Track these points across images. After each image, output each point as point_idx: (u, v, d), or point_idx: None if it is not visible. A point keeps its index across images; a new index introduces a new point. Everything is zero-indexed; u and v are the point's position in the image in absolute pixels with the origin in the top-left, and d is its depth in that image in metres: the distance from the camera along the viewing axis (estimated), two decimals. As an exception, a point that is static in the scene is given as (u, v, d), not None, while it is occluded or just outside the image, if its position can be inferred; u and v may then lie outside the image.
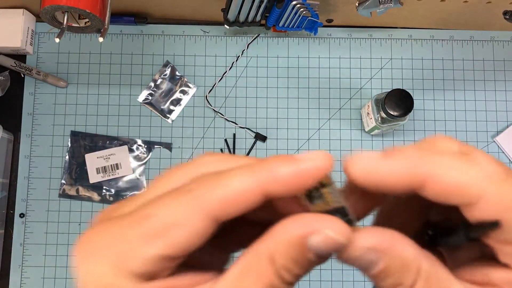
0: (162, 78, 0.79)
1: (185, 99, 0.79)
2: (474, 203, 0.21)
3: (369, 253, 0.21)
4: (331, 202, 0.23)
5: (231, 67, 0.80)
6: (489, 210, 0.21)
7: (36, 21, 0.79)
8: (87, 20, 0.65)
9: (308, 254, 0.21)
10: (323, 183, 0.23)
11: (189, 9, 0.77)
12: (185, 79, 0.79)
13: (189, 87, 0.79)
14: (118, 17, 0.78)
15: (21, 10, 0.76)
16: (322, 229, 0.21)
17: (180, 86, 0.79)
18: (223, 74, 0.79)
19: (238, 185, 0.21)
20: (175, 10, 0.78)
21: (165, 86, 0.79)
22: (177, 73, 0.79)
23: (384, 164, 0.22)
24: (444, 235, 0.26)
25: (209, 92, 0.79)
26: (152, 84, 0.79)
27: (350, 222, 0.22)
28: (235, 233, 0.27)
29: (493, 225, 0.22)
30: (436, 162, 0.22)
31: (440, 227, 0.27)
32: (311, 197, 0.23)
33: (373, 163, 0.22)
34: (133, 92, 0.79)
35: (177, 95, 0.79)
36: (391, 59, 0.80)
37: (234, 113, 0.79)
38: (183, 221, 0.21)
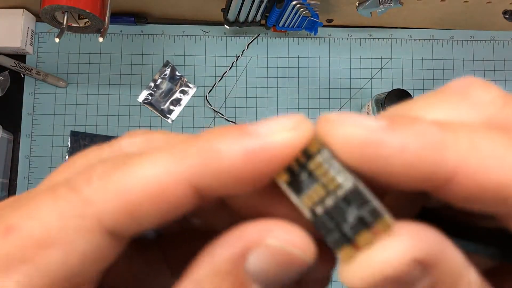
0: (162, 78, 0.79)
1: (185, 99, 0.79)
2: None
3: (410, 269, 0.13)
4: (332, 180, 0.15)
5: (231, 67, 0.79)
6: None
7: (36, 21, 0.79)
8: (87, 20, 0.65)
9: (251, 285, 0.14)
10: (309, 153, 0.15)
11: (189, 9, 0.77)
12: (185, 79, 0.79)
13: (189, 87, 0.79)
14: (118, 17, 0.78)
15: (21, 10, 0.76)
16: (262, 238, 0.14)
17: (180, 86, 0.79)
18: (223, 74, 0.79)
19: (147, 178, 0.14)
20: (175, 10, 0.78)
21: (165, 86, 0.79)
22: (177, 73, 0.79)
23: (390, 141, 0.14)
24: (455, 234, 0.17)
25: (209, 92, 0.79)
26: (152, 84, 0.79)
27: (376, 215, 0.15)
28: (184, 247, 0.20)
29: None
30: (476, 143, 0.13)
31: (446, 219, 0.18)
32: (296, 183, 0.15)
33: (370, 135, 0.14)
34: (133, 92, 0.79)
35: (177, 95, 0.79)
36: (391, 59, 0.80)
37: (234, 113, 0.79)
38: (59, 236, 0.14)
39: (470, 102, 0.16)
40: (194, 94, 0.79)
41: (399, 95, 0.67)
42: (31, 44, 0.78)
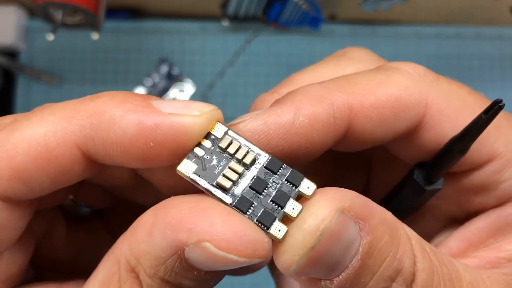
0: (159, 76, 0.77)
1: (183, 97, 0.77)
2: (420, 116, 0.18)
3: (342, 222, 0.14)
4: (247, 155, 0.16)
5: (230, 65, 0.78)
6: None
7: (29, 18, 0.78)
8: (81, 16, 0.64)
9: (192, 269, 0.14)
10: (215, 136, 0.16)
11: (187, 3, 0.76)
12: (183, 77, 0.78)
13: (187, 85, 0.77)
14: (114, 12, 0.76)
15: (14, 6, 0.74)
16: (199, 239, 0.14)
17: (178, 84, 0.77)
18: (222, 72, 0.78)
19: (31, 138, 0.14)
20: (172, 5, 0.77)
21: (162, 84, 0.77)
22: (174, 70, 0.77)
23: (276, 120, 0.16)
24: (432, 168, 0.20)
25: (208, 90, 0.77)
26: (149, 82, 0.77)
27: (298, 180, 0.15)
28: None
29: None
30: (355, 86, 0.18)
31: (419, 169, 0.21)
32: (205, 169, 0.15)
33: (260, 122, 0.16)
34: (129, 90, 0.77)
35: (175, 93, 0.77)
36: (396, 56, 0.78)
37: (234, 112, 0.77)
38: None
39: (347, 58, 0.21)
40: (192, 92, 0.77)
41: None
42: (24, 41, 0.76)
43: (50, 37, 0.61)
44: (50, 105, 0.15)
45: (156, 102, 0.15)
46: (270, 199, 0.15)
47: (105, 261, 0.15)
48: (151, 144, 0.14)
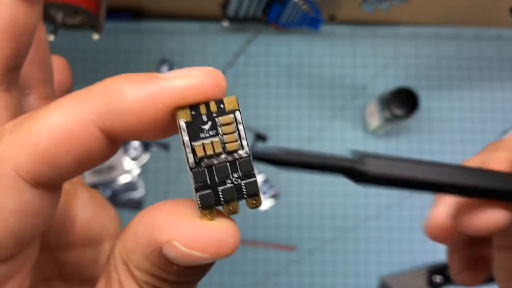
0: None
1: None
2: None
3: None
4: (233, 142, 0.16)
5: (231, 65, 0.78)
6: None
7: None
8: (82, 17, 0.64)
9: (171, 264, 0.16)
10: (223, 109, 0.16)
11: (187, 4, 0.76)
12: (183, 78, 0.77)
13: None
14: (114, 13, 0.76)
15: (14, 6, 0.74)
16: (169, 238, 0.15)
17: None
18: (223, 72, 0.77)
19: (53, 123, 0.15)
20: (172, 5, 0.76)
21: (162, 84, 0.77)
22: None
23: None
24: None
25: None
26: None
27: (254, 190, 0.16)
28: None
29: None
30: None
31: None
32: (196, 129, 0.16)
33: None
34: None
35: (175, 93, 0.77)
36: (396, 57, 0.78)
37: (233, 113, 0.77)
38: None
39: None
40: (192, 92, 0.77)
41: (403, 94, 0.66)
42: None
43: (51, 37, 0.61)
44: (65, 96, 0.16)
45: (160, 74, 0.16)
46: (221, 188, 0.16)
47: (108, 257, 0.17)
48: (160, 105, 0.15)
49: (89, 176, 0.74)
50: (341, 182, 0.73)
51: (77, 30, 0.66)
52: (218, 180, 0.16)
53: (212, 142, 0.16)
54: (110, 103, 0.15)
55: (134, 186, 0.75)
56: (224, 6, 0.70)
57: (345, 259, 0.74)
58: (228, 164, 0.16)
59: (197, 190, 0.16)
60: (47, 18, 0.62)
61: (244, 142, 0.16)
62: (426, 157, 0.76)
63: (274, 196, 0.75)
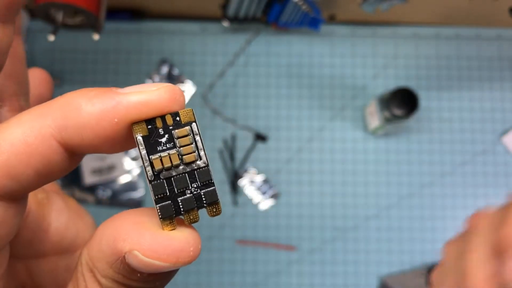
0: (160, 76, 0.77)
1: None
2: None
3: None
4: (191, 153, 0.16)
5: (230, 65, 0.78)
6: None
7: (30, 19, 0.77)
8: (82, 17, 0.64)
9: (135, 272, 0.16)
10: (179, 122, 0.16)
11: (187, 4, 0.76)
12: (183, 77, 0.77)
13: (187, 85, 0.77)
14: (114, 13, 0.76)
15: (14, 6, 0.74)
16: (131, 247, 0.16)
17: (178, 85, 0.77)
18: (223, 73, 0.77)
19: (13, 137, 0.15)
20: (172, 5, 0.76)
21: (162, 84, 0.77)
22: (175, 71, 0.77)
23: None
24: None
25: (208, 91, 0.77)
26: (149, 83, 0.77)
27: (213, 198, 0.17)
28: None
29: None
30: None
31: None
32: (153, 142, 0.16)
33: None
34: (130, 91, 0.77)
35: (175, 94, 0.77)
36: (396, 57, 0.78)
37: (233, 113, 0.77)
38: None
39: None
40: (192, 93, 0.77)
41: (403, 94, 0.66)
42: (25, 42, 0.76)
43: (51, 38, 0.61)
44: (26, 110, 0.16)
45: (117, 89, 0.16)
46: (181, 198, 0.17)
47: (76, 264, 0.18)
48: (115, 120, 0.15)
49: (89, 176, 0.74)
50: (341, 182, 0.73)
51: (77, 30, 0.66)
52: (178, 191, 0.17)
53: (169, 155, 0.16)
54: (68, 117, 0.15)
55: (134, 186, 0.75)
56: (224, 6, 0.70)
57: (345, 259, 0.74)
58: (186, 175, 0.17)
59: (157, 202, 0.16)
60: (47, 18, 0.62)
61: (202, 153, 0.17)
62: (426, 157, 0.76)
63: (274, 196, 0.75)
